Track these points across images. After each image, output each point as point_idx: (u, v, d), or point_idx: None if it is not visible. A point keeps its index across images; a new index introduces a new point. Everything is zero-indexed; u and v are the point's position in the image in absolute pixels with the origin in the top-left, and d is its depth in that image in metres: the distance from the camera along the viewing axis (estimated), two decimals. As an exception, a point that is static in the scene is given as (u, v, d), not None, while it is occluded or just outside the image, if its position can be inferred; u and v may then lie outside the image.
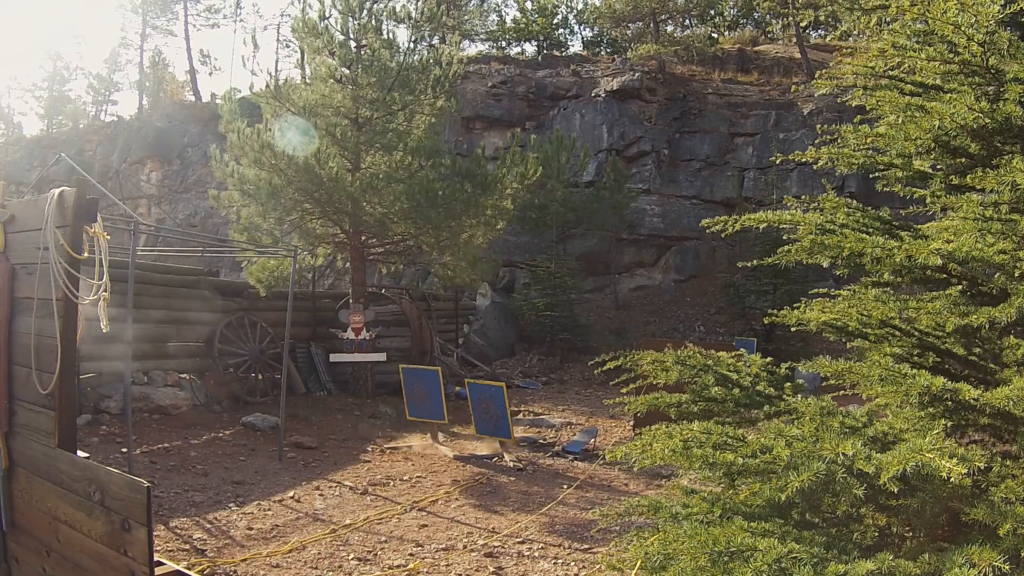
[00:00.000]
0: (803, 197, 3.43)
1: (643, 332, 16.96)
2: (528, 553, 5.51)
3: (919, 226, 3.12)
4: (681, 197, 20.44)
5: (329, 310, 13.30)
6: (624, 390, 3.34)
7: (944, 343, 2.87)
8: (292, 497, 6.95)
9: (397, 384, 10.11)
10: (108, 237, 3.06)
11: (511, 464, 8.28)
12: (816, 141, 3.37)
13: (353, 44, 11.25)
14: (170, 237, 18.44)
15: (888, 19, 3.21)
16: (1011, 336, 2.63)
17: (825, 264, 2.94)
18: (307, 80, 11.33)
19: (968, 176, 2.82)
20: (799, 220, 2.92)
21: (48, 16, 60.88)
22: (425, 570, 5.17)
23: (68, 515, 2.92)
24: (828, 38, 24.99)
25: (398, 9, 11.70)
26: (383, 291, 14.52)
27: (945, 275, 2.78)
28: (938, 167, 3.08)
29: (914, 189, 3.24)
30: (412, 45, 11.63)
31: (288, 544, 5.62)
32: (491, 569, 5.17)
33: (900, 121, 2.96)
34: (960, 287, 2.78)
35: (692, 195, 20.43)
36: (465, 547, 5.64)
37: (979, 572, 1.89)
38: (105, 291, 3.03)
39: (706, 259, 19.78)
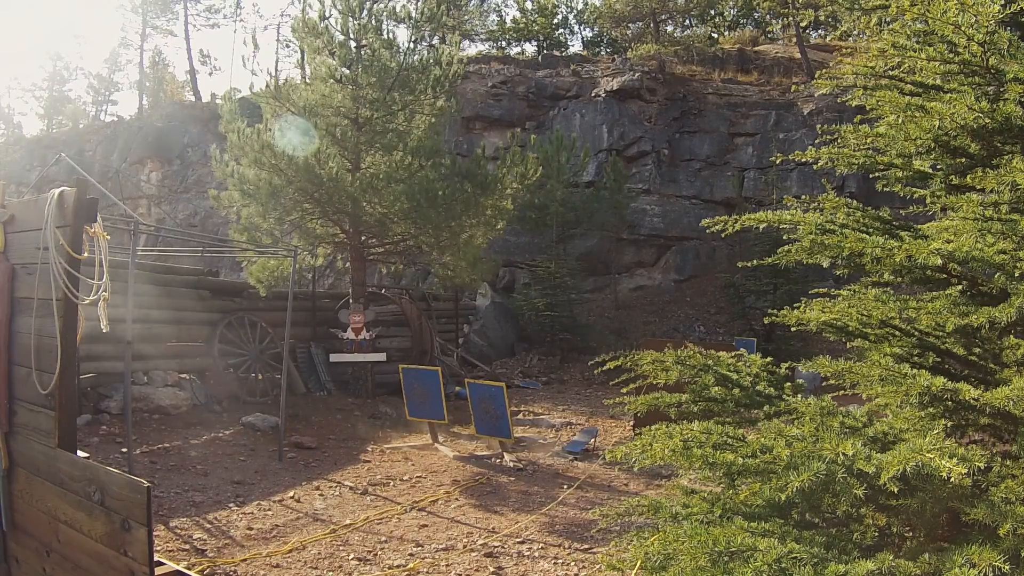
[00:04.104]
0: (803, 197, 3.43)
1: (643, 332, 16.95)
2: (528, 553, 5.51)
3: (919, 226, 3.12)
4: (681, 197, 20.44)
5: (329, 310, 13.29)
6: (624, 390, 3.34)
7: (944, 343, 2.87)
8: (292, 497, 6.95)
9: (397, 384, 10.11)
10: (108, 237, 3.06)
11: (511, 464, 8.28)
12: (816, 141, 3.37)
13: (353, 44, 11.25)
14: (170, 237, 18.44)
15: (888, 19, 3.21)
16: (1011, 336, 2.63)
17: (825, 264, 2.94)
18: (307, 80, 11.32)
19: (968, 176, 2.82)
20: (799, 220, 2.92)
21: (48, 16, 60.94)
22: (425, 570, 5.17)
23: (68, 515, 2.92)
24: (828, 38, 25.00)
25: (398, 9, 11.72)
26: (383, 291, 14.52)
27: (945, 275, 2.78)
28: (938, 167, 3.08)
29: (914, 189, 3.24)
30: (412, 45, 11.63)
31: (288, 544, 5.62)
32: (491, 569, 5.17)
33: (900, 121, 2.96)
34: (960, 287, 2.78)
35: (692, 195, 20.44)
36: (465, 547, 5.64)
37: (979, 572, 1.89)
38: (105, 291, 3.04)
39: (706, 259, 19.78)
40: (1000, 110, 2.63)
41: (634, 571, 2.56)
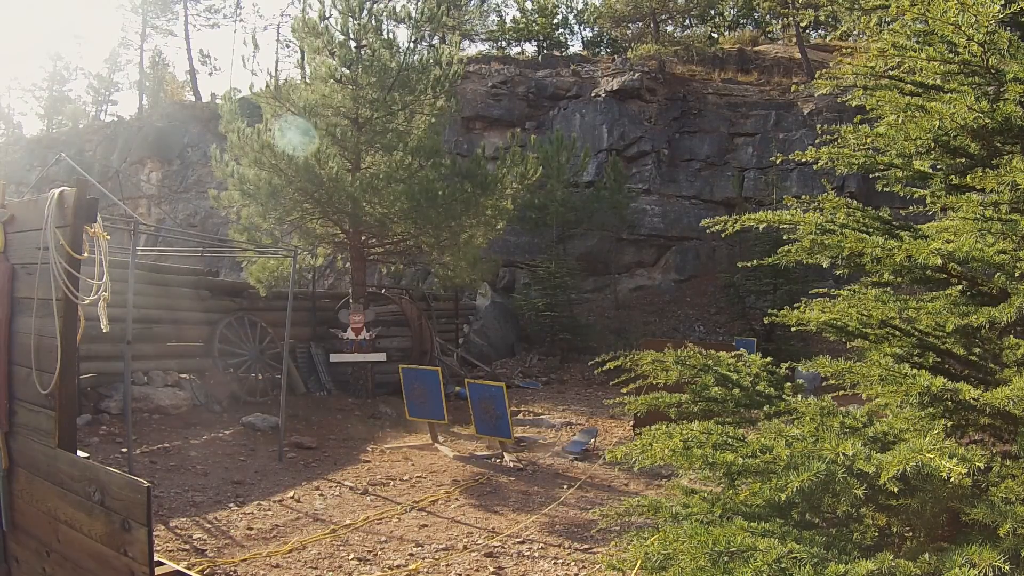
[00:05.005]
0: (803, 197, 3.43)
1: (643, 332, 16.95)
2: (528, 553, 5.51)
3: (919, 226, 3.12)
4: (681, 197, 20.44)
5: (329, 310, 13.29)
6: (624, 390, 3.34)
7: (944, 343, 2.87)
8: (292, 497, 6.95)
9: (397, 384, 10.11)
10: (108, 237, 3.06)
11: (511, 464, 8.28)
12: (816, 141, 3.37)
13: (353, 44, 11.25)
14: (170, 237, 18.44)
15: (888, 19, 3.21)
16: (1011, 336, 2.63)
17: (825, 264, 2.94)
18: (307, 80, 11.32)
19: (968, 176, 2.82)
20: (799, 220, 2.92)
21: (48, 16, 60.95)
22: (425, 570, 5.17)
23: (68, 515, 2.92)
24: (828, 38, 25.00)
25: (398, 9, 11.74)
26: (383, 291, 14.52)
27: (945, 275, 2.78)
28: (938, 167, 3.09)
29: (914, 189, 3.24)
30: (412, 45, 11.62)
31: (288, 544, 5.62)
32: (491, 569, 5.17)
33: (900, 121, 2.96)
34: (960, 287, 2.78)
35: (692, 195, 20.43)
36: (465, 547, 5.64)
37: (979, 572, 1.89)
38: (105, 291, 3.04)
39: (706, 259, 19.78)
40: (1000, 110, 2.63)
41: (634, 571, 2.56)
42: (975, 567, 1.91)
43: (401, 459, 8.63)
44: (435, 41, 21.75)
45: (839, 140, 3.26)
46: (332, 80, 10.94)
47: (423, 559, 5.37)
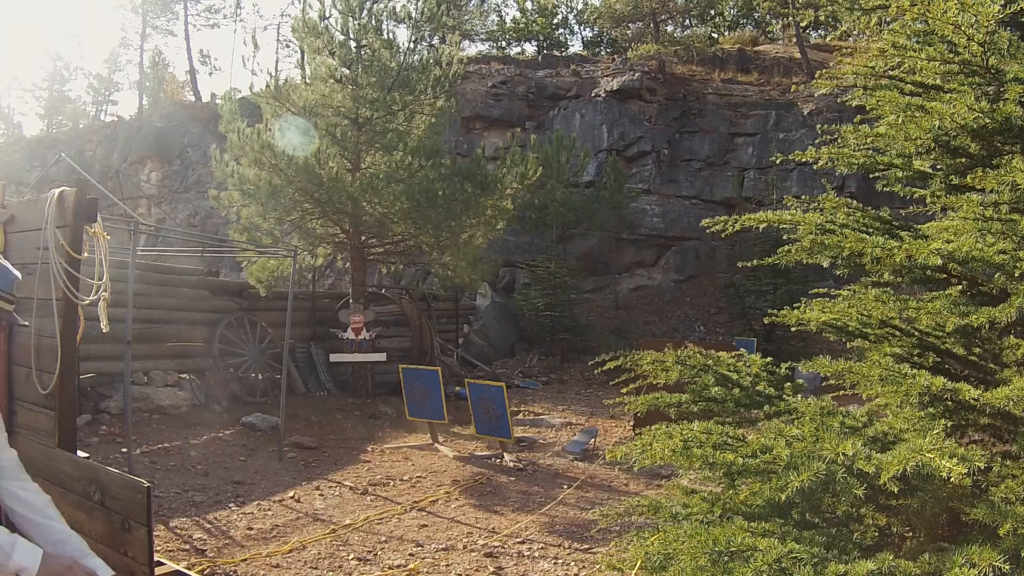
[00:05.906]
0: (803, 197, 3.42)
1: (643, 332, 16.95)
2: (528, 553, 5.51)
3: (919, 226, 3.12)
4: (681, 197, 20.44)
5: (329, 310, 13.29)
6: (624, 390, 3.34)
7: (944, 343, 2.87)
8: (292, 497, 6.95)
9: (397, 384, 10.11)
10: (108, 237, 3.06)
11: (511, 464, 8.28)
12: (816, 141, 3.36)
13: (353, 44, 11.25)
14: (170, 237, 18.44)
15: (888, 19, 3.21)
16: (1011, 336, 2.63)
17: (825, 264, 2.94)
18: (307, 80, 11.32)
19: (968, 176, 2.82)
20: (799, 220, 2.92)
21: (48, 16, 60.96)
22: (425, 570, 5.17)
23: (68, 515, 2.91)
24: (828, 38, 24.99)
25: (398, 9, 11.72)
26: (383, 291, 14.52)
27: (945, 275, 2.78)
28: (938, 167, 3.08)
29: (914, 189, 3.24)
30: (412, 45, 11.63)
31: (288, 544, 5.62)
32: (491, 569, 5.17)
33: (900, 121, 2.96)
34: (960, 287, 2.78)
35: (692, 195, 20.44)
36: (465, 547, 5.64)
37: (979, 572, 1.89)
38: (105, 291, 3.04)
39: (706, 259, 19.78)
40: (1000, 110, 2.63)
41: (634, 571, 2.56)
42: (975, 567, 1.91)
43: (401, 459, 8.63)
44: (435, 41, 21.73)
45: (839, 140, 3.25)
46: (332, 80, 10.94)
47: (423, 559, 5.37)
